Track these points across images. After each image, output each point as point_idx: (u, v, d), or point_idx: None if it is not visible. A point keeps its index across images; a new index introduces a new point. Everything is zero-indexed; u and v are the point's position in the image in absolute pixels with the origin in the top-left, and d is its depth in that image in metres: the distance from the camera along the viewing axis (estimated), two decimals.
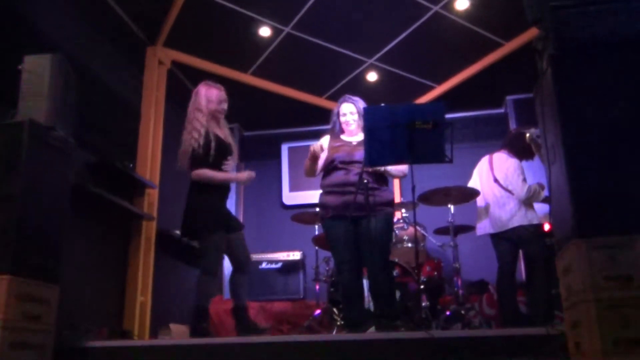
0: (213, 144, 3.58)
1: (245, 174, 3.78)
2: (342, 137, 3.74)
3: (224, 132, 3.78)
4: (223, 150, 3.66)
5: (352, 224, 3.42)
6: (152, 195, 4.85)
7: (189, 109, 3.73)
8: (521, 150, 4.27)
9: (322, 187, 3.69)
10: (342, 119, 3.71)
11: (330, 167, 3.61)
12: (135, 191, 4.73)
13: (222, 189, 3.69)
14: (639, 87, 2.14)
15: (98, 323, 3.87)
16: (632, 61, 2.18)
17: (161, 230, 4.95)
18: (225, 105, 3.77)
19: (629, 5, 2.23)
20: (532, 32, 4.49)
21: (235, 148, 3.81)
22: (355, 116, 3.68)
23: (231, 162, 3.72)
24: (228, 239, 3.61)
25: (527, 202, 4.17)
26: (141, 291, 4.52)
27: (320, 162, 3.72)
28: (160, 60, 5.17)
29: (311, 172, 3.79)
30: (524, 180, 4.15)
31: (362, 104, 3.67)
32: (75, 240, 3.76)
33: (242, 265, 3.67)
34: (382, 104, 3.54)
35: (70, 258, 3.65)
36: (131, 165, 4.55)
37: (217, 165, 3.62)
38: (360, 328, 3.27)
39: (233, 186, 6.57)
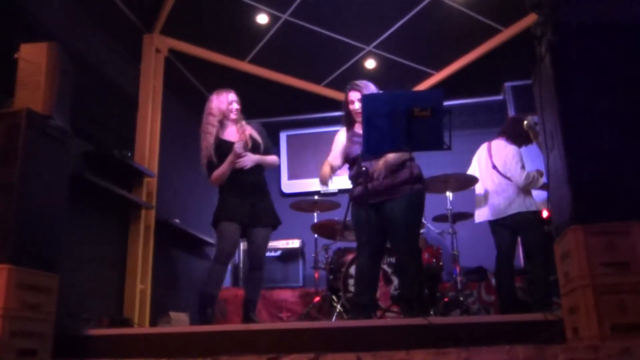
0: (214, 149, 3.79)
1: (232, 154, 3.78)
2: (357, 128, 3.63)
3: (232, 131, 3.91)
4: (225, 151, 3.78)
5: (374, 210, 3.38)
6: (151, 184, 4.85)
7: (203, 117, 3.93)
8: (519, 137, 4.27)
9: (350, 178, 3.62)
10: (351, 107, 3.61)
11: (350, 160, 3.58)
12: (133, 180, 4.72)
13: (236, 184, 3.78)
14: (638, 73, 2.14)
15: (98, 311, 3.89)
16: (631, 46, 2.17)
17: (160, 218, 4.95)
18: (235, 106, 3.91)
19: None
20: (531, 18, 4.48)
21: (254, 141, 3.90)
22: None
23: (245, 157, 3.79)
24: (249, 234, 3.80)
25: (526, 189, 4.18)
26: (141, 279, 4.54)
27: (338, 160, 3.66)
28: (157, 48, 5.14)
29: (326, 180, 3.61)
30: (523, 167, 4.16)
31: (371, 88, 3.56)
32: (74, 229, 3.76)
33: (252, 262, 3.85)
34: (381, 91, 3.49)
35: (70, 247, 3.65)
36: (129, 154, 4.54)
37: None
38: (364, 315, 3.26)
39: None
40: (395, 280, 4.42)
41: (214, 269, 3.69)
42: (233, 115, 3.90)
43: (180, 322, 4.40)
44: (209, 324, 3.53)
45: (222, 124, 3.90)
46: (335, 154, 3.65)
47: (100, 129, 4.30)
